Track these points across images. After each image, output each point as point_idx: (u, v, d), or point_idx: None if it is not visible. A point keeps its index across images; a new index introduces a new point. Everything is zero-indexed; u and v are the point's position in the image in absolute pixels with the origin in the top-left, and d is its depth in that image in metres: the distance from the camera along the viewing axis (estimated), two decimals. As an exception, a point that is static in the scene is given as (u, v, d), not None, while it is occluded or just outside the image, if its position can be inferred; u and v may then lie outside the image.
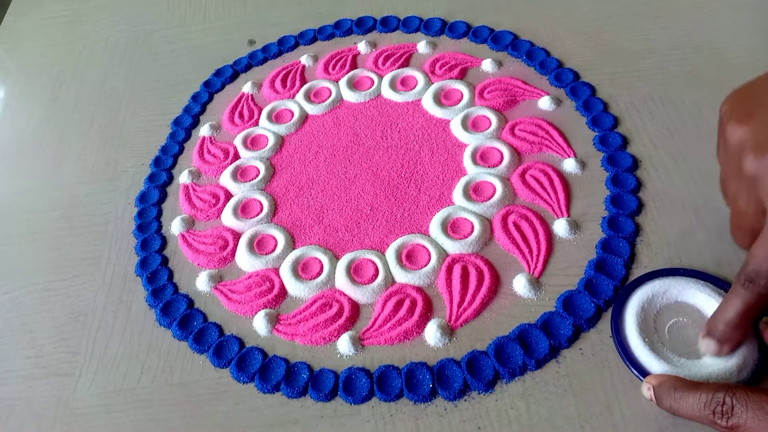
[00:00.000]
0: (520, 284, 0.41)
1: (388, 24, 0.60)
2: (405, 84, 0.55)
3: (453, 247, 0.43)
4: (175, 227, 0.48)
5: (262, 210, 0.48)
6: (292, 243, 0.46)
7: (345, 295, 0.42)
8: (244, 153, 0.52)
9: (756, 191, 0.31)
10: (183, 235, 0.48)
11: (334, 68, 0.58)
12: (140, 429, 0.38)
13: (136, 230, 0.49)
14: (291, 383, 0.39)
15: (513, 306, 0.40)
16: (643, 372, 0.35)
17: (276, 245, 0.46)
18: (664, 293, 0.38)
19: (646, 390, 0.33)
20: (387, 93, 0.54)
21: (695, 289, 0.37)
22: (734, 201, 0.33)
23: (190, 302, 0.44)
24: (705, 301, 0.37)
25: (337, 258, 0.44)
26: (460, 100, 0.52)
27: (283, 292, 0.43)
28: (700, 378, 0.34)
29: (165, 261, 0.47)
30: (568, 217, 0.44)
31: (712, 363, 0.34)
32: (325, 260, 0.44)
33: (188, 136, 0.55)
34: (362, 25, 0.61)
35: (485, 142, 0.49)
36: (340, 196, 0.48)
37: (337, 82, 0.56)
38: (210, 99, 0.58)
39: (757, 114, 0.32)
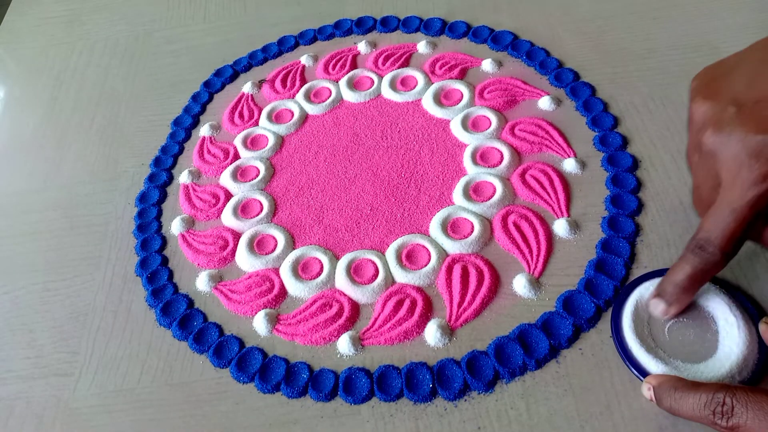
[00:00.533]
0: (520, 284, 0.41)
1: (388, 24, 0.60)
2: (405, 84, 0.55)
3: (453, 247, 0.43)
4: (175, 227, 0.48)
5: (262, 210, 0.48)
6: (292, 243, 0.46)
7: (345, 295, 0.42)
8: (244, 153, 0.52)
9: (713, 165, 0.32)
10: (183, 235, 0.48)
11: (334, 68, 0.57)
12: (140, 429, 0.38)
13: (136, 230, 0.49)
14: (291, 383, 0.39)
15: (513, 306, 0.40)
16: (643, 372, 0.35)
17: (276, 245, 0.46)
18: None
19: (646, 390, 0.33)
20: (387, 93, 0.54)
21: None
22: (695, 173, 0.35)
23: (190, 302, 0.44)
24: (705, 300, 0.37)
25: (337, 258, 0.44)
26: (460, 100, 0.52)
27: (283, 292, 0.43)
28: (700, 378, 0.34)
29: (165, 261, 0.47)
30: (568, 217, 0.44)
31: (712, 363, 0.34)
32: (325, 260, 0.44)
33: (188, 136, 0.55)
34: (362, 25, 0.61)
35: (485, 142, 0.49)
36: (340, 196, 0.48)
37: (337, 82, 0.56)
38: (210, 99, 0.58)
39: (722, 92, 0.33)
